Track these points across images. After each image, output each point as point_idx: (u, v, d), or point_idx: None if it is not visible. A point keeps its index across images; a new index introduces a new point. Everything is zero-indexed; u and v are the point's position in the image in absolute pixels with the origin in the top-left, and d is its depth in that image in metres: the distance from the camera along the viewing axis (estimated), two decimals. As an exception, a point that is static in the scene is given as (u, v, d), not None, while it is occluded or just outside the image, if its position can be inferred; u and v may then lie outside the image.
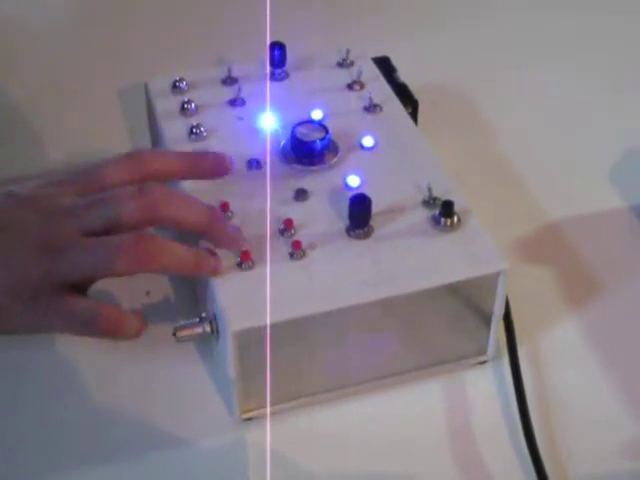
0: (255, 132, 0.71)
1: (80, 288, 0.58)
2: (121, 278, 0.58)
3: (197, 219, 0.61)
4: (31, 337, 0.66)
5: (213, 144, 0.69)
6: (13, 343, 0.66)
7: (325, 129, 0.68)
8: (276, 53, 0.75)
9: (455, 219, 0.63)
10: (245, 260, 0.61)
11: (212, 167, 0.64)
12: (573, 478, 0.60)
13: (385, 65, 0.79)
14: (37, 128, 0.85)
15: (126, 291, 0.64)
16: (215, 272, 0.60)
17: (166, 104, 0.73)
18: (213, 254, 0.60)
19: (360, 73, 0.75)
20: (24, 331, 0.59)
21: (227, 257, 0.61)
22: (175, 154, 0.65)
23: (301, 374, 0.63)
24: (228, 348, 0.58)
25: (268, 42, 0.75)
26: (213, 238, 0.61)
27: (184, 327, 0.61)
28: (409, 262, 0.61)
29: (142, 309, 0.66)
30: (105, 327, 0.58)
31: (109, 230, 0.58)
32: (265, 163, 0.68)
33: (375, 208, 0.63)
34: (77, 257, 0.57)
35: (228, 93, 0.74)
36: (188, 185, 0.65)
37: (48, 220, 0.57)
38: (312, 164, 0.68)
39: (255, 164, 0.68)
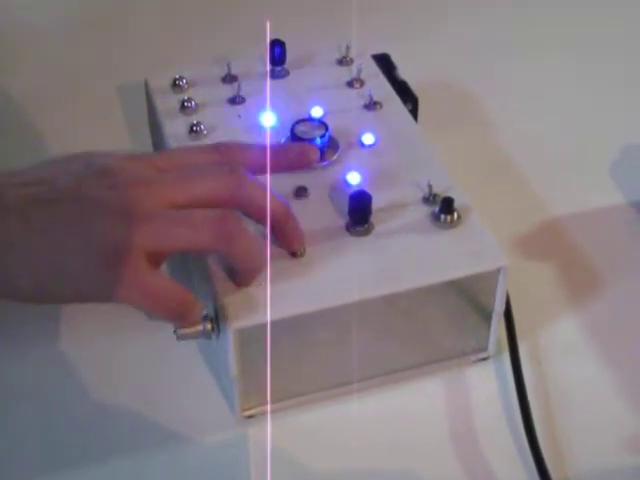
0: (255, 130, 0.71)
1: (155, 261, 0.57)
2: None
3: (276, 210, 0.60)
4: (33, 331, 0.66)
5: (213, 142, 0.69)
6: (14, 339, 0.66)
7: (325, 126, 0.68)
8: (276, 51, 0.75)
9: (455, 216, 0.63)
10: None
11: (296, 160, 0.65)
12: (574, 473, 0.60)
13: (385, 62, 0.79)
14: (37, 125, 0.85)
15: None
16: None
17: (166, 102, 0.73)
18: None
19: (360, 70, 0.75)
20: (94, 297, 0.57)
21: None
22: (260, 148, 0.64)
23: (302, 372, 0.63)
24: (229, 346, 0.58)
25: (268, 40, 0.75)
26: (283, 233, 0.61)
27: (185, 325, 0.61)
28: (409, 259, 0.61)
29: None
30: (176, 309, 0.57)
31: (194, 205, 0.58)
32: (265, 161, 0.68)
33: (375, 205, 0.63)
34: (163, 227, 0.56)
35: (228, 91, 0.74)
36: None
37: (130, 190, 0.56)
38: (312, 161, 0.68)
39: (255, 162, 0.68)
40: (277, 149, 0.65)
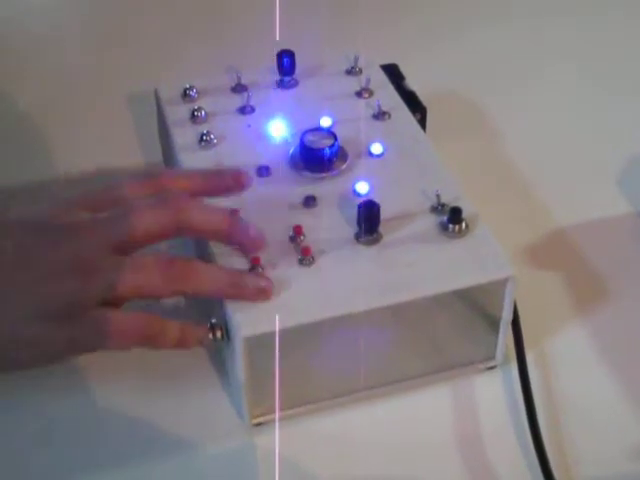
0: (265, 139, 0.71)
1: (114, 303, 0.57)
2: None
3: (218, 224, 0.61)
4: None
5: (223, 151, 0.70)
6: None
7: (334, 136, 0.69)
8: (285, 61, 0.75)
9: (463, 225, 0.63)
10: (255, 266, 0.61)
11: (229, 184, 0.65)
12: (581, 481, 0.60)
13: (394, 72, 0.79)
14: (47, 135, 0.86)
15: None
16: (264, 294, 0.59)
17: (176, 112, 0.73)
18: (261, 276, 0.60)
19: (369, 80, 0.76)
20: (58, 357, 0.58)
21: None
22: (192, 173, 0.65)
23: (310, 379, 0.63)
24: (238, 354, 0.59)
25: (277, 50, 0.76)
26: (236, 242, 0.61)
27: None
28: (417, 268, 0.62)
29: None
30: (145, 336, 0.58)
31: (136, 242, 0.58)
32: (274, 170, 0.68)
33: (384, 214, 0.63)
34: (112, 276, 0.56)
35: (238, 101, 0.74)
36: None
37: (71, 240, 0.57)
38: (321, 171, 0.68)
39: (265, 171, 0.68)
40: (210, 175, 0.65)
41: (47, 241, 0.57)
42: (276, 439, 0.62)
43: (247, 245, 0.61)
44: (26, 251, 0.56)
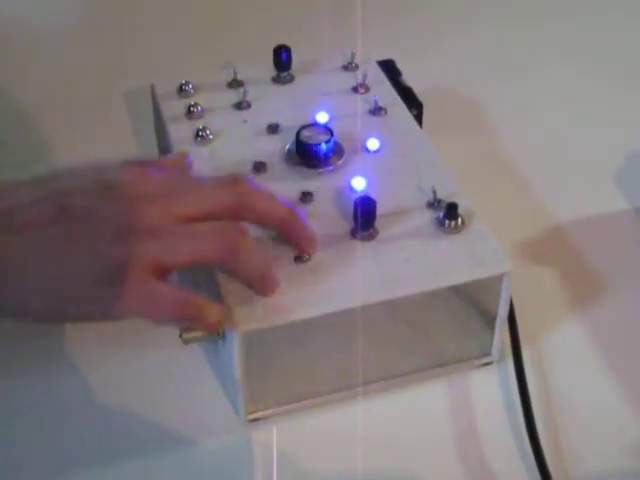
0: (261, 135, 0.71)
1: (161, 274, 0.57)
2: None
3: (281, 216, 0.61)
4: (36, 334, 0.66)
5: (219, 147, 0.70)
6: (16, 339, 0.66)
7: (330, 132, 0.69)
8: (281, 56, 0.75)
9: (459, 221, 0.63)
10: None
11: (299, 242, 0.63)
12: (576, 478, 0.60)
13: (390, 68, 0.79)
14: (44, 130, 0.86)
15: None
16: (273, 290, 0.60)
17: (172, 107, 0.73)
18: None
19: (365, 76, 0.76)
20: (100, 316, 0.57)
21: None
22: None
23: (306, 375, 0.63)
24: (234, 349, 0.59)
25: (273, 45, 0.76)
26: (292, 237, 0.62)
27: (190, 329, 0.61)
28: (414, 264, 0.61)
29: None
30: (184, 313, 0.57)
31: (197, 218, 0.58)
32: (270, 166, 0.68)
33: (380, 210, 0.63)
34: (166, 242, 0.56)
35: (234, 96, 0.74)
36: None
37: (134, 205, 0.57)
38: (317, 167, 0.68)
39: (260, 167, 0.68)
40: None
41: (113, 200, 0.57)
42: (273, 435, 0.62)
43: (301, 244, 0.62)
44: (92, 210, 0.56)
